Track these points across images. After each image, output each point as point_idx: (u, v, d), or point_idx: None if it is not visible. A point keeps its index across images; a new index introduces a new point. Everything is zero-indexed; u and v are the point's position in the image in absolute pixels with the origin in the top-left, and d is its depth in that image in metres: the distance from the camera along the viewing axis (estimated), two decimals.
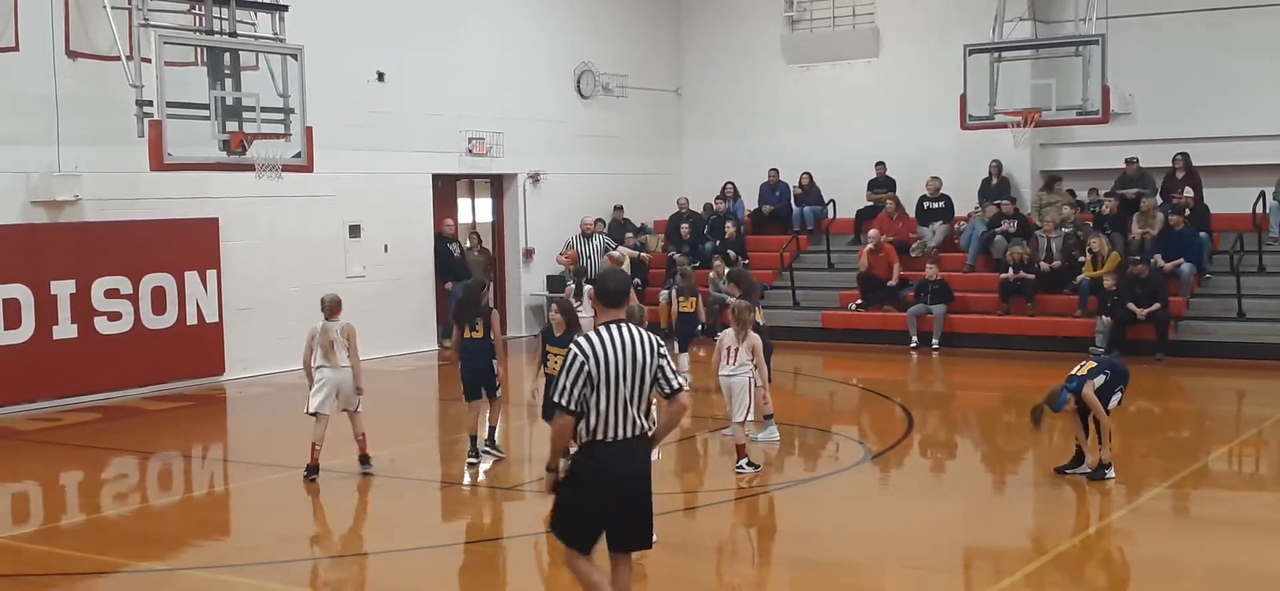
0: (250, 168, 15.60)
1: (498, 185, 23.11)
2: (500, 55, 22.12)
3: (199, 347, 17.58)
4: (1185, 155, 20.89)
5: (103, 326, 16.55)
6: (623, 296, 7.10)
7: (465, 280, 20.89)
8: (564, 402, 6.74)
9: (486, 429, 12.57)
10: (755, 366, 11.92)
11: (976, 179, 22.54)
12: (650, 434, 7.05)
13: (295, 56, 15.68)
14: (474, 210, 23.39)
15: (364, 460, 12.01)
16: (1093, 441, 11.33)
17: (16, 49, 15.12)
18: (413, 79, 20.49)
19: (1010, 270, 20.45)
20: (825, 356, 20.53)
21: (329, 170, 17.74)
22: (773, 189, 24.24)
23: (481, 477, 12.11)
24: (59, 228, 16.23)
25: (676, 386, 6.98)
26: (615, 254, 21.86)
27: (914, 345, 20.35)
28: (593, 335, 6.84)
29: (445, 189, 22.08)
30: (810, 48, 24.56)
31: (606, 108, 24.27)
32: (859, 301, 21.51)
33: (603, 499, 6.90)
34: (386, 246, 20.28)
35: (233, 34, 15.69)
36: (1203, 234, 20.00)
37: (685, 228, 23.34)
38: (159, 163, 14.68)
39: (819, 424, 15.37)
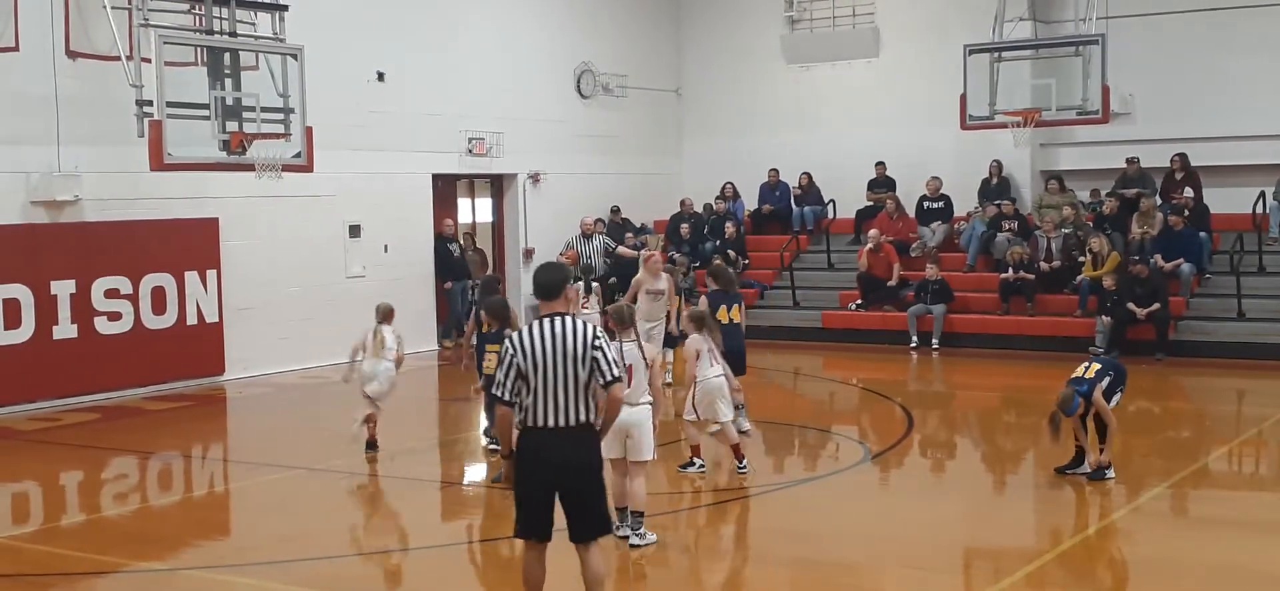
0: (250, 168, 15.60)
1: (498, 185, 23.10)
2: (500, 55, 22.12)
3: (199, 347, 17.57)
4: (1183, 155, 20.89)
5: (103, 326, 16.55)
6: (557, 289, 7.40)
7: (465, 281, 21.08)
8: (500, 394, 7.15)
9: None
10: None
11: (976, 179, 22.54)
12: (596, 425, 7.31)
13: (295, 56, 15.67)
14: (474, 210, 23.40)
15: (371, 444, 12.72)
16: (1093, 441, 11.33)
17: (16, 49, 15.11)
18: (413, 79, 20.49)
19: (1010, 270, 20.45)
20: (825, 356, 20.54)
21: (329, 170, 17.73)
22: (773, 189, 24.24)
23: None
24: (59, 228, 16.23)
25: (612, 376, 7.21)
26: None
27: (914, 345, 20.34)
28: (525, 329, 7.20)
29: (445, 189, 22.08)
30: (810, 48, 24.56)
31: (606, 108, 24.26)
32: (859, 301, 21.51)
33: (542, 484, 7.20)
34: (386, 246, 20.27)
35: (233, 34, 15.69)
36: (1203, 234, 20.00)
37: (685, 228, 23.34)
38: (159, 163, 14.69)
39: (819, 424, 15.38)
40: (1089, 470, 11.23)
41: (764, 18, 24.77)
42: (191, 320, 17.48)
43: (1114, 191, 21.21)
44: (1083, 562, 9.32)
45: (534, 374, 7.07)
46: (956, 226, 22.42)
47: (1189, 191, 20.72)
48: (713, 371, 11.50)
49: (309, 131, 15.87)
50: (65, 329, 16.17)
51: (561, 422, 7.11)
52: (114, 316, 16.67)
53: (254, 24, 16.14)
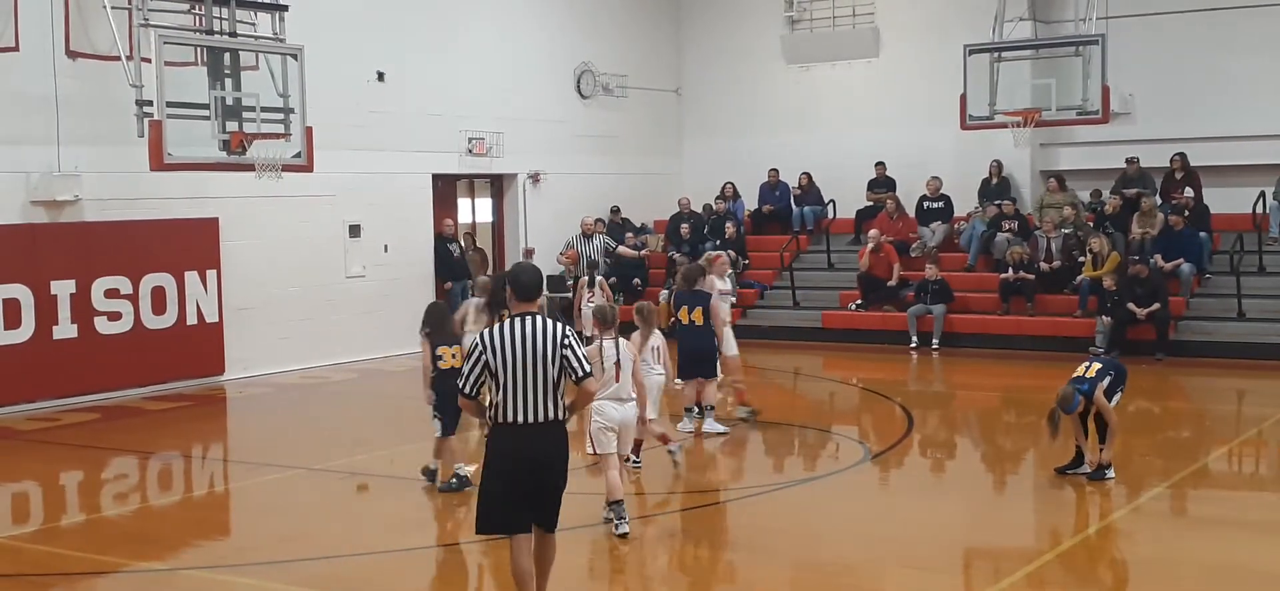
0: (250, 168, 15.61)
1: (498, 185, 23.10)
2: (500, 55, 22.12)
3: (199, 347, 17.58)
4: (1183, 155, 20.90)
5: (103, 326, 16.55)
6: (534, 290, 7.57)
7: (465, 281, 21.05)
8: (464, 389, 7.38)
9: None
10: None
11: (976, 179, 22.54)
12: (564, 422, 7.46)
13: (295, 56, 15.69)
14: (474, 210, 23.40)
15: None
16: (1093, 441, 11.33)
17: (16, 49, 15.12)
18: (413, 79, 20.49)
19: (1010, 270, 20.45)
20: (825, 356, 20.54)
21: (329, 170, 17.73)
22: (773, 189, 24.24)
23: None
24: (59, 228, 16.23)
25: (584, 372, 7.41)
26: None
27: (914, 345, 20.34)
28: (495, 328, 7.36)
29: (445, 189, 22.07)
30: (810, 48, 24.56)
31: (606, 108, 24.26)
32: (859, 301, 21.51)
33: (511, 478, 7.37)
34: (386, 246, 20.26)
35: (233, 34, 15.70)
36: (1203, 234, 20.01)
37: (685, 228, 23.34)
38: (159, 163, 14.70)
39: (819, 424, 15.38)
40: (1089, 470, 11.23)
41: (764, 18, 24.77)
42: (191, 320, 17.49)
43: (1114, 191, 21.20)
44: (1083, 562, 9.32)
45: (503, 371, 7.25)
46: (956, 226, 22.42)
47: (1189, 191, 20.72)
48: (658, 371, 11.90)
49: (309, 131, 15.88)
50: (65, 329, 16.18)
51: (530, 419, 7.29)
52: (114, 316, 16.67)
53: (254, 24, 16.15)
